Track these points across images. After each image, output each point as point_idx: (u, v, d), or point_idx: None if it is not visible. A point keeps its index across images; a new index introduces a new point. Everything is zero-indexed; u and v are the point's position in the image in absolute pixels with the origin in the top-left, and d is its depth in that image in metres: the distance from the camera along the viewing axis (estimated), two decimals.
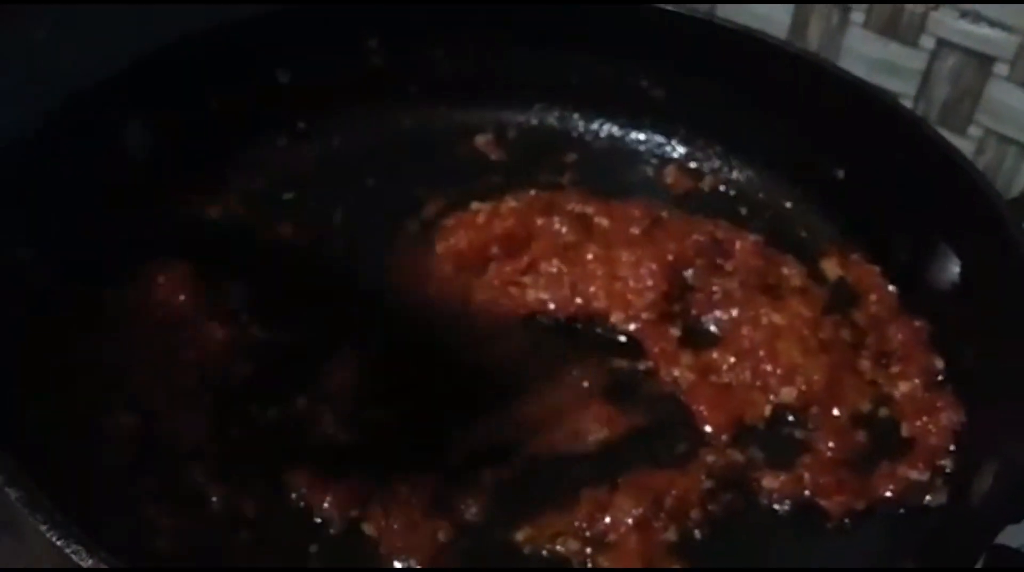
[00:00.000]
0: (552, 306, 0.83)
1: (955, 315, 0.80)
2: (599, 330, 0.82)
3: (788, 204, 0.93)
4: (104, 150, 0.80)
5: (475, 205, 0.89)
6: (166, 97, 0.84)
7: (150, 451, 0.70)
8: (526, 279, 0.84)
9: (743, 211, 0.93)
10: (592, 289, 0.83)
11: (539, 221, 0.86)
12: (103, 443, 0.69)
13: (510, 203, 0.88)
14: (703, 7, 1.08)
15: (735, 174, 0.96)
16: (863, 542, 0.71)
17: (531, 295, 0.84)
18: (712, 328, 0.82)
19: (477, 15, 0.94)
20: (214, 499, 0.68)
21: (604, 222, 0.87)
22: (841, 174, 0.90)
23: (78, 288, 0.75)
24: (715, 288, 0.84)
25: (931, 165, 0.83)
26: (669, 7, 0.93)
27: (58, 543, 0.54)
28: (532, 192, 0.90)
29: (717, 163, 0.96)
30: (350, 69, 0.94)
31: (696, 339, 0.82)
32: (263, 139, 0.92)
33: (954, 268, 0.81)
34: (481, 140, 0.97)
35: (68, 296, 0.75)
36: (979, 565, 0.72)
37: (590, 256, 0.84)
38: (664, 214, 0.89)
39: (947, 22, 1.01)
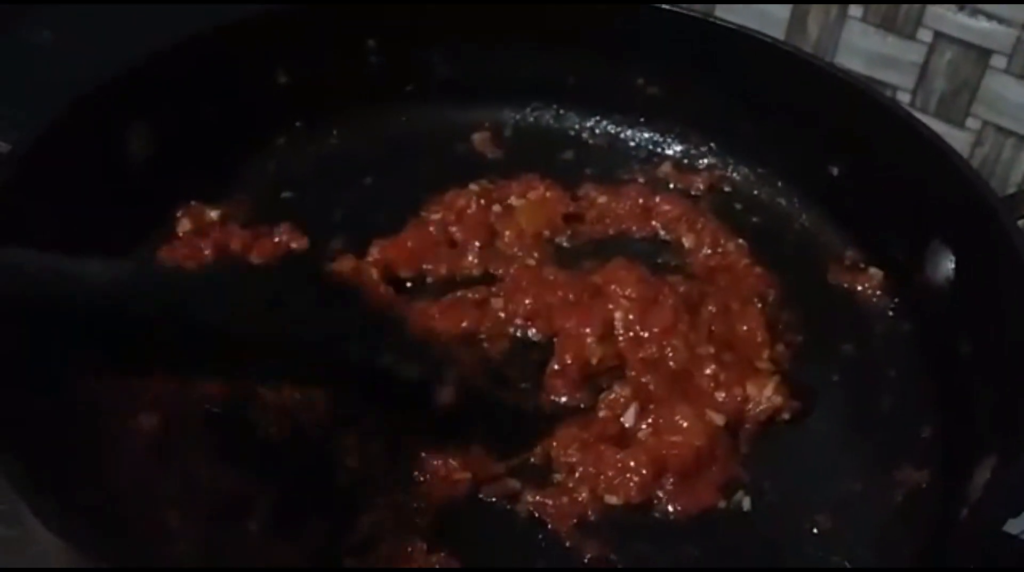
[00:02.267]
0: None
1: (950, 311, 0.81)
2: None
3: (783, 201, 0.94)
4: (105, 153, 0.81)
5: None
6: (165, 99, 0.84)
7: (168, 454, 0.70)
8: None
9: (738, 207, 0.94)
10: None
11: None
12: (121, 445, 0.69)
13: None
14: (701, 3, 1.09)
15: (730, 171, 0.96)
16: (857, 536, 0.71)
17: None
18: None
19: (474, 15, 0.94)
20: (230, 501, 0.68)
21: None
22: (836, 171, 0.91)
23: None
24: None
25: (924, 161, 0.83)
26: (665, 5, 0.93)
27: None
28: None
29: (712, 160, 0.97)
30: (348, 69, 0.94)
31: None
32: (262, 139, 0.93)
33: (949, 264, 0.81)
34: (478, 138, 0.97)
35: None
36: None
37: None
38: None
39: (944, 15, 1.02)
